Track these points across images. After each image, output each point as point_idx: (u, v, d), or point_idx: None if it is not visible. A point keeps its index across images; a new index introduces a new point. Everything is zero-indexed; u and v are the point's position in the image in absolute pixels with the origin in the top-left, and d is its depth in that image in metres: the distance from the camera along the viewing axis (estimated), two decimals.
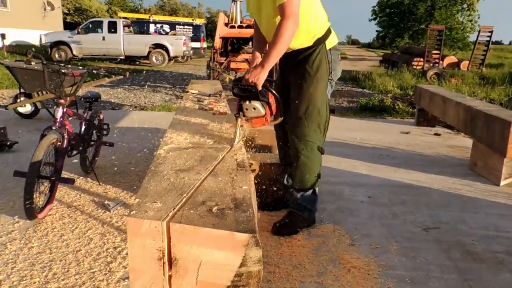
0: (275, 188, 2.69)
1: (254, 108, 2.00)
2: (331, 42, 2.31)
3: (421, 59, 13.69)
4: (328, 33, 2.28)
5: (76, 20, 27.79)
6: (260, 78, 1.99)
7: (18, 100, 4.89)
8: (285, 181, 2.59)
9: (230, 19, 9.32)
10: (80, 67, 3.55)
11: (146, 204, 1.27)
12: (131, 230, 1.17)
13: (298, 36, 2.16)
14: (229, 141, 2.02)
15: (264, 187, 2.63)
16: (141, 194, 1.35)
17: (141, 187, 1.42)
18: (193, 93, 3.72)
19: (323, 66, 2.25)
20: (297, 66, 2.28)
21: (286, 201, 2.58)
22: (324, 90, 2.29)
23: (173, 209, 1.24)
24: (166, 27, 18.80)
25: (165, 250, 1.15)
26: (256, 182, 2.58)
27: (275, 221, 2.40)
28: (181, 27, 19.20)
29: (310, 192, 2.38)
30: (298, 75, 2.28)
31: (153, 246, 1.15)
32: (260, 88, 2.00)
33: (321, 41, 2.24)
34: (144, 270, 1.17)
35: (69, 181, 2.56)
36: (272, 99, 2.09)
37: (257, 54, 2.33)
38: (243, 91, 2.01)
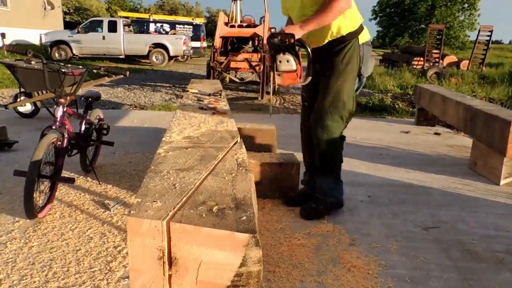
0: (273, 186, 2.71)
1: (288, 61, 2.06)
2: (365, 37, 2.40)
3: (421, 59, 13.68)
4: (361, 28, 2.36)
5: (76, 20, 27.76)
6: (296, 32, 2.08)
7: (18, 100, 4.89)
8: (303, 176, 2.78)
9: (230, 19, 9.32)
10: (80, 67, 3.55)
11: (146, 203, 1.27)
12: (131, 229, 1.17)
13: (338, 24, 2.26)
14: (229, 140, 2.02)
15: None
16: (141, 193, 1.36)
17: (141, 186, 1.42)
18: (193, 93, 3.72)
19: (353, 60, 2.33)
20: (328, 58, 2.36)
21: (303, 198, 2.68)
22: (351, 84, 2.38)
23: (173, 209, 1.24)
24: (166, 27, 18.78)
25: (165, 249, 1.15)
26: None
27: (302, 206, 2.55)
28: (181, 26, 19.19)
29: (333, 178, 2.54)
30: (327, 67, 2.36)
31: (153, 246, 1.15)
32: (295, 39, 2.06)
33: (355, 34, 2.32)
34: (144, 269, 1.18)
35: (69, 181, 2.56)
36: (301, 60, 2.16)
37: None
38: (280, 39, 2.08)
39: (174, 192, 1.37)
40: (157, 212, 1.20)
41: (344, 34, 2.31)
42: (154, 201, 1.29)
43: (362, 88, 2.61)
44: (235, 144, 1.98)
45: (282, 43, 2.08)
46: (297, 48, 2.14)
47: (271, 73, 2.14)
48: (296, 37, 2.08)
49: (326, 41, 2.34)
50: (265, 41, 8.17)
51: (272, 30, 9.13)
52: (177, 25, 19.10)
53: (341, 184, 2.62)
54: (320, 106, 2.41)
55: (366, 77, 2.55)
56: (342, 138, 2.52)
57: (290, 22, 2.55)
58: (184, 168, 1.61)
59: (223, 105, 3.15)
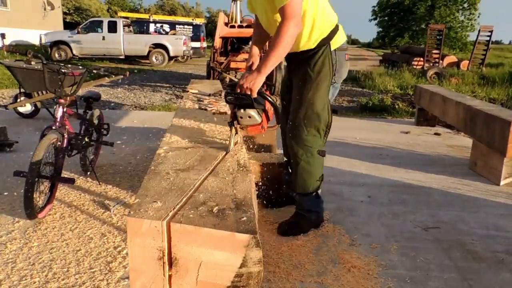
0: (276, 186, 2.70)
1: (249, 117, 1.87)
2: (337, 41, 2.19)
3: (421, 59, 13.68)
4: (333, 33, 2.16)
5: (77, 20, 27.76)
6: (256, 84, 1.87)
7: (18, 100, 4.89)
8: (285, 177, 2.58)
9: (230, 19, 9.32)
10: (80, 67, 3.55)
11: (146, 203, 1.27)
12: (131, 229, 1.17)
13: (302, 37, 2.08)
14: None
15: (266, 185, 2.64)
16: (141, 193, 1.35)
17: (141, 186, 1.42)
18: (193, 93, 3.72)
19: (325, 68, 2.16)
20: (298, 68, 2.22)
21: (288, 196, 2.56)
22: (325, 94, 2.19)
23: (173, 209, 1.24)
24: (166, 27, 18.78)
25: (165, 250, 1.15)
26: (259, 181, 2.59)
27: (281, 221, 2.39)
28: (181, 26, 19.19)
29: (312, 195, 2.33)
30: (298, 78, 2.22)
31: (153, 246, 1.16)
32: (255, 95, 1.86)
33: (325, 41, 2.14)
34: (144, 269, 1.18)
35: (69, 181, 2.56)
36: (269, 105, 1.99)
37: (256, 49, 2.24)
38: (237, 99, 1.88)
39: (174, 193, 1.37)
40: (157, 213, 1.20)
41: (313, 46, 2.14)
42: (154, 202, 1.29)
43: (335, 96, 2.41)
44: (235, 144, 1.98)
45: (240, 101, 1.87)
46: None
47: (232, 129, 1.93)
48: (256, 89, 1.87)
49: (300, 49, 2.16)
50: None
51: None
52: (177, 26, 19.10)
53: (321, 200, 2.41)
54: (293, 120, 2.23)
55: (340, 82, 2.35)
56: (322, 153, 2.27)
57: (258, 20, 2.34)
58: (184, 169, 1.61)
59: (223, 105, 3.15)
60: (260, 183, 2.61)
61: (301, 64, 2.19)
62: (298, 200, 2.37)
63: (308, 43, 2.13)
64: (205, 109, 2.94)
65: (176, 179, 1.50)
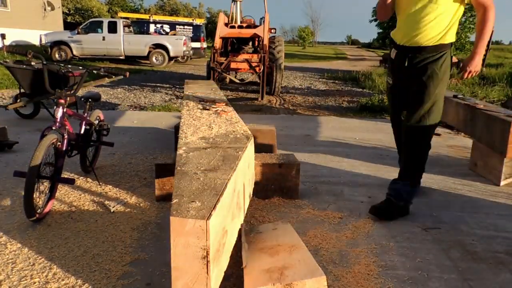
0: (273, 187, 2.70)
1: None
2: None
3: None
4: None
5: (78, 20, 27.75)
6: (479, 66, 2.50)
7: (18, 100, 4.89)
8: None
9: (230, 19, 9.32)
10: (80, 67, 3.55)
11: (185, 203, 1.27)
12: (175, 229, 1.17)
13: (446, 32, 2.47)
14: (244, 140, 2.03)
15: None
16: (176, 193, 1.36)
17: (174, 186, 1.43)
18: (192, 93, 3.73)
19: (448, 70, 2.54)
20: (424, 67, 2.51)
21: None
22: (444, 92, 2.57)
23: (213, 209, 1.24)
24: (166, 27, 18.78)
25: (209, 249, 1.15)
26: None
27: (373, 204, 2.62)
28: (181, 27, 19.19)
29: (411, 185, 2.61)
30: (422, 72, 2.51)
31: (197, 245, 1.16)
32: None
33: (451, 46, 2.52)
34: (187, 269, 1.17)
35: (69, 181, 2.56)
36: None
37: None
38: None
39: (209, 192, 1.37)
40: (199, 212, 1.20)
41: (446, 43, 2.49)
42: (193, 201, 1.28)
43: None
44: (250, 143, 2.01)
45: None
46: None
47: None
48: (480, 68, 2.54)
49: (426, 43, 2.48)
50: (265, 42, 8.15)
51: (272, 31, 9.10)
52: (177, 26, 19.10)
53: (415, 192, 2.67)
54: (418, 113, 2.52)
55: None
56: (430, 146, 2.68)
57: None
58: (210, 169, 1.63)
59: (226, 105, 3.16)
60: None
61: (428, 62, 2.50)
62: (396, 185, 2.61)
63: (444, 37, 2.48)
64: (209, 109, 2.95)
65: (205, 179, 1.51)
